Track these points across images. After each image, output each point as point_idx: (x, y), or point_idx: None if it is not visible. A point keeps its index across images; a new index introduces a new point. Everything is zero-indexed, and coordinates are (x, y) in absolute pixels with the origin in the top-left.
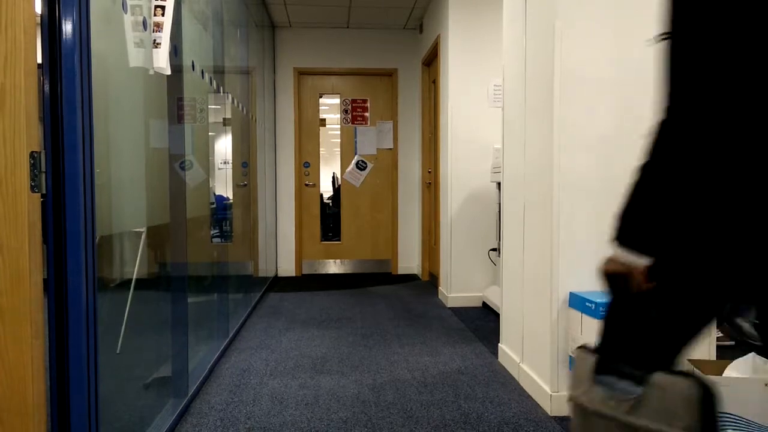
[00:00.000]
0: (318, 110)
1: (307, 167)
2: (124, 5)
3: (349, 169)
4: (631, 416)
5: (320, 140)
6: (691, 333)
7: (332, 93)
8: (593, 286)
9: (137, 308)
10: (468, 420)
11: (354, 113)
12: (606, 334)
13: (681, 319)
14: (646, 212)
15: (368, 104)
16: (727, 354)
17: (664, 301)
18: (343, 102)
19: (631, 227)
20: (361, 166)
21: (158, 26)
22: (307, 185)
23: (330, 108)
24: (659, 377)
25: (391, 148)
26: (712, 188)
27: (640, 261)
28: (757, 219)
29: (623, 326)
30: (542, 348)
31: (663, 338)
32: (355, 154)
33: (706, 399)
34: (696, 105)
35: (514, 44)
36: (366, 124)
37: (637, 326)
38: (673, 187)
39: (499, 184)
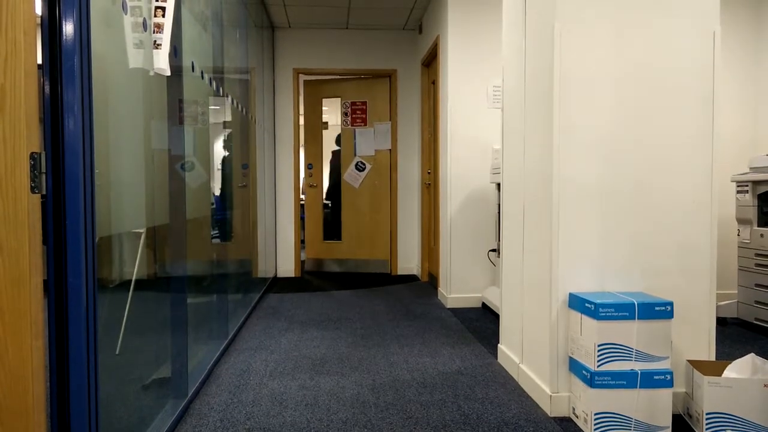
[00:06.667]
0: (321, 113)
1: (310, 168)
2: (124, 6)
3: (348, 170)
4: None
5: (324, 141)
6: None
7: (333, 96)
8: (593, 287)
9: (137, 309)
10: (468, 421)
11: (353, 116)
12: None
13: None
14: (329, 194)
15: (366, 106)
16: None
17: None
18: (343, 105)
19: (327, 195)
20: (359, 167)
21: (159, 27)
22: (312, 186)
23: (329, 109)
24: None
25: (389, 149)
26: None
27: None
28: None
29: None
30: (542, 349)
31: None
32: (355, 155)
33: None
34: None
35: (513, 45)
36: (365, 125)
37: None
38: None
39: (498, 184)
